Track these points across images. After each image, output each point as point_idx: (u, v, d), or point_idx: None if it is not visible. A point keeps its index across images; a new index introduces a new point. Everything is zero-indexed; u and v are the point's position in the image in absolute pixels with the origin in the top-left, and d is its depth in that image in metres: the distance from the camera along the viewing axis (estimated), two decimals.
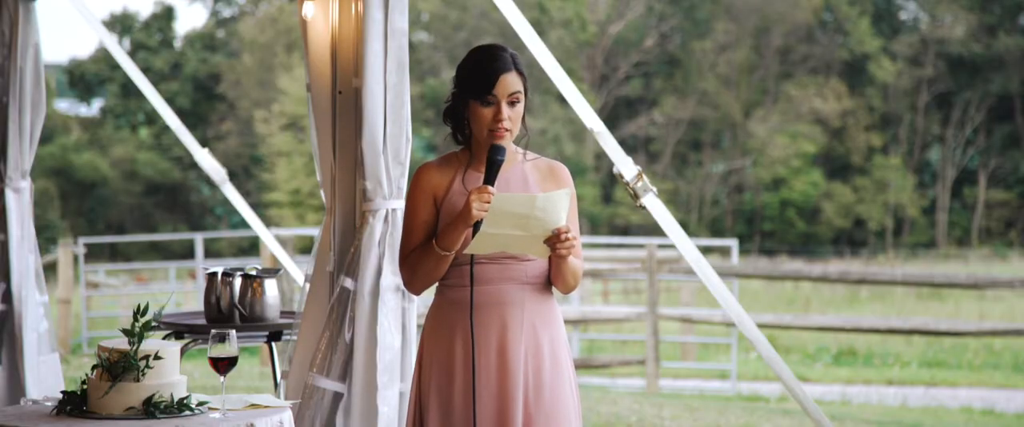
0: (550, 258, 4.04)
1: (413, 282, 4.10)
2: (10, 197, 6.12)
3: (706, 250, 27.88)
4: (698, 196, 42.82)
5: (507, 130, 4.01)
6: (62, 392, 3.99)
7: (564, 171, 4.16)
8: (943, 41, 42.64)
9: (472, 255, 4.01)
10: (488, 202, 3.88)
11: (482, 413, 4.00)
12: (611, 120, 40.96)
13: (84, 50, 61.60)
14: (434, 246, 4.00)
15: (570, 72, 37.61)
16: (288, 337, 5.20)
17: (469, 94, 4.01)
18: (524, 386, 4.02)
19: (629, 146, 41.86)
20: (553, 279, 4.10)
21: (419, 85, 40.50)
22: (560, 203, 3.87)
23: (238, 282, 5.30)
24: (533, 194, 3.89)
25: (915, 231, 42.87)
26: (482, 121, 4.01)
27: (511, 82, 3.99)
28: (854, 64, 43.13)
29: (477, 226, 3.92)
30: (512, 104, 4.01)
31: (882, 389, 14.58)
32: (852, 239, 42.35)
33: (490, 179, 3.96)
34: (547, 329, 4.08)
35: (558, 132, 39.25)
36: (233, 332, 3.96)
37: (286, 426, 3.99)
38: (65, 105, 44.97)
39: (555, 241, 3.90)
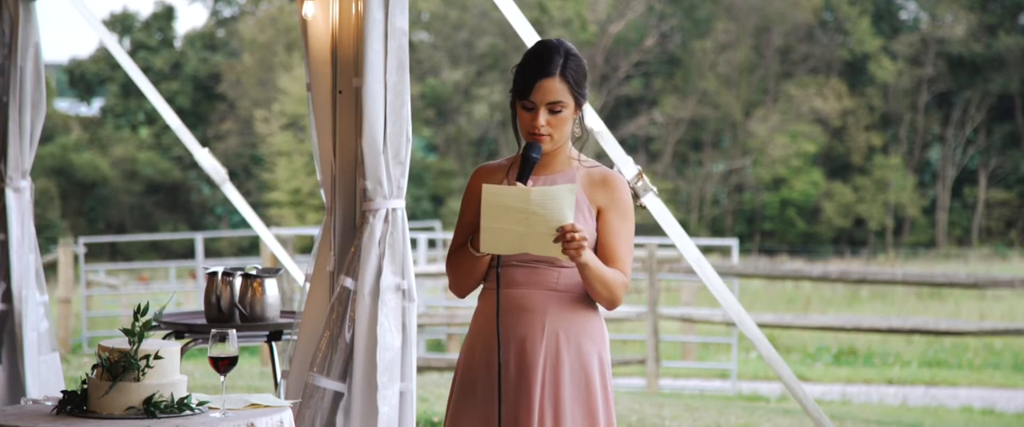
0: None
1: (452, 283, 4.04)
2: (10, 197, 6.11)
3: (706, 250, 27.88)
4: (698, 196, 42.82)
5: (545, 136, 3.89)
6: (62, 392, 3.98)
7: (618, 183, 3.97)
8: (943, 41, 42.65)
9: (499, 257, 3.92)
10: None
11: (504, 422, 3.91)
12: (611, 120, 40.96)
13: (84, 50, 61.67)
14: (468, 246, 3.94)
15: None
16: (288, 337, 5.20)
17: (514, 93, 3.93)
18: (540, 399, 3.91)
19: (629, 146, 41.86)
20: (586, 289, 3.94)
21: (419, 85, 40.50)
22: (562, 199, 3.72)
23: (238, 282, 5.30)
24: (528, 188, 3.74)
25: (915, 231, 42.87)
26: (522, 124, 3.93)
27: (551, 90, 3.86)
28: (854, 64, 43.13)
29: None
30: (554, 111, 3.89)
31: (882, 389, 14.59)
32: (852, 239, 42.35)
33: (523, 176, 3.86)
34: (573, 341, 3.93)
35: None
36: (233, 332, 3.95)
37: (286, 426, 3.99)
38: (65, 105, 44.99)
39: (560, 238, 3.74)
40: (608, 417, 3.98)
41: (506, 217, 3.75)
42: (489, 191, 3.73)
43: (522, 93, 3.89)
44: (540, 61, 3.88)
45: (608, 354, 4.02)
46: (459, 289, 4.03)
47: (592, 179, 3.97)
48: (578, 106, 3.94)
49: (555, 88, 3.87)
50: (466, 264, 3.96)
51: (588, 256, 3.81)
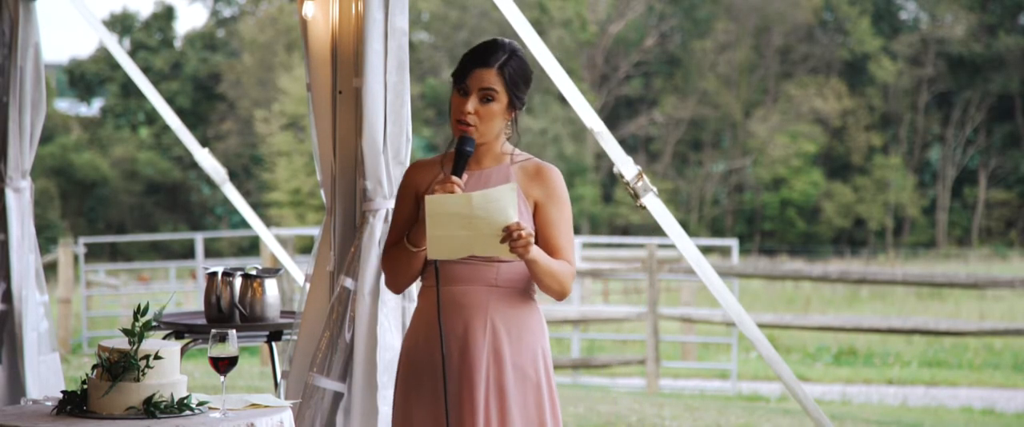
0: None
1: (388, 278, 4.04)
2: (10, 197, 6.11)
3: (706, 250, 27.88)
4: (698, 196, 42.81)
5: (470, 126, 3.90)
6: (62, 392, 3.98)
7: (552, 174, 3.98)
8: (943, 41, 42.65)
9: None
10: (452, 193, 3.79)
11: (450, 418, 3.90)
12: (611, 120, 40.95)
13: (84, 50, 61.66)
14: (404, 240, 3.95)
15: (570, 72, 37.62)
16: (288, 337, 5.20)
17: (453, 80, 3.95)
18: (485, 395, 3.91)
19: (629, 146, 41.86)
20: (535, 283, 3.96)
21: (419, 85, 40.50)
22: (503, 200, 3.74)
23: (238, 282, 5.30)
24: (469, 193, 3.76)
25: (915, 231, 42.87)
26: (453, 110, 3.93)
27: (486, 78, 3.88)
28: (854, 64, 43.14)
29: None
30: (485, 101, 3.91)
31: (882, 389, 14.59)
32: (852, 239, 42.35)
33: (457, 171, 3.87)
34: (514, 336, 3.93)
35: (558, 132, 39.26)
36: (233, 332, 3.95)
37: (286, 426, 3.99)
38: (65, 105, 44.98)
39: (507, 238, 3.75)
40: (553, 409, 3.99)
41: (450, 224, 3.76)
42: (432, 201, 3.75)
43: (458, 78, 3.91)
44: (482, 53, 3.91)
45: (549, 346, 4.04)
46: (395, 285, 4.04)
47: (526, 172, 3.98)
48: (512, 106, 3.95)
49: (490, 78, 3.89)
50: (403, 260, 3.96)
51: (535, 252, 3.82)
